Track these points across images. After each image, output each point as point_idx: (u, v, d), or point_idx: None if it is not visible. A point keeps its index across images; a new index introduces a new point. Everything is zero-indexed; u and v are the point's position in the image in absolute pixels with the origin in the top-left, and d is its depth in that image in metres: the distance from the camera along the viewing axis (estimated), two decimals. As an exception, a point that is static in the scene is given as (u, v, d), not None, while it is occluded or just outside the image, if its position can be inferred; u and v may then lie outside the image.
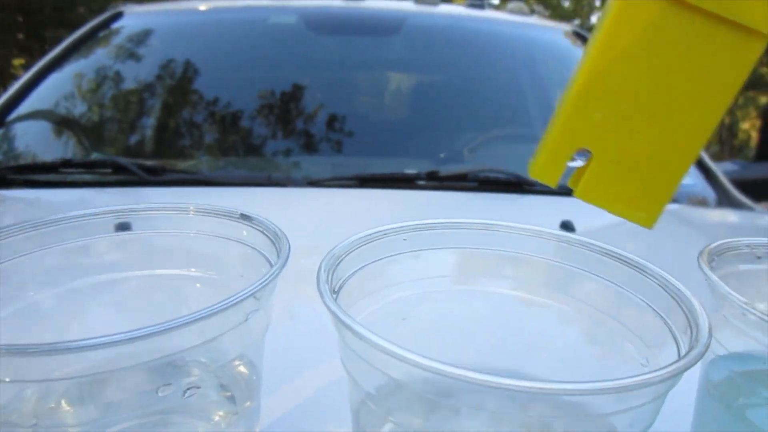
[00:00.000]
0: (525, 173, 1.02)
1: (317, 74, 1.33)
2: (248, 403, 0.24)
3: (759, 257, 0.25)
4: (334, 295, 0.23)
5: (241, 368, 0.25)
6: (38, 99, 1.38)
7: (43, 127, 1.35)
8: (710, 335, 0.19)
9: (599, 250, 0.26)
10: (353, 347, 0.20)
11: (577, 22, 19.28)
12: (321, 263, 0.23)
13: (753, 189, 1.38)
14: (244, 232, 0.27)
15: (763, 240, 0.26)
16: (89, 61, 1.53)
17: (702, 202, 1.20)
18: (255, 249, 0.27)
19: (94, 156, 1.27)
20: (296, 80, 1.30)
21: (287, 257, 0.25)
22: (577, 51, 1.67)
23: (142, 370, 0.20)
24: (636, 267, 0.25)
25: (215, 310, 0.19)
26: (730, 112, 18.15)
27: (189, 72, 1.37)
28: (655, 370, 0.17)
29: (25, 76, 1.42)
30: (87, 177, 1.06)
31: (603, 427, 0.19)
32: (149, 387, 0.20)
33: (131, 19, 1.65)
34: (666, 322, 0.22)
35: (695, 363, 0.18)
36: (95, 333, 0.17)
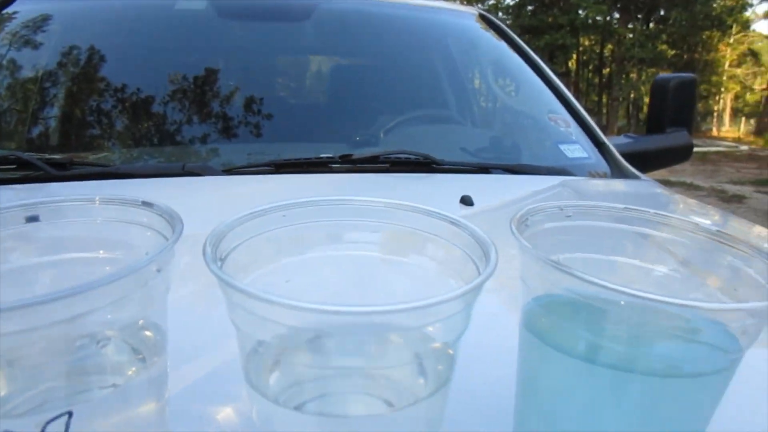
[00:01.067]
0: (434, 153, 1.09)
1: (230, 61, 1.33)
2: (156, 359, 0.28)
3: (569, 216, 0.31)
4: (219, 263, 0.27)
5: (146, 331, 0.29)
6: None
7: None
8: (494, 265, 0.25)
9: (440, 217, 0.31)
10: (238, 303, 0.25)
11: (492, 2, 19.71)
12: (206, 238, 0.27)
13: (642, 160, 1.51)
14: (145, 219, 0.30)
15: (573, 202, 0.32)
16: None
17: (599, 175, 1.30)
18: (156, 231, 0.30)
19: None
20: (208, 67, 1.29)
21: (181, 231, 0.29)
22: (484, 34, 1.74)
23: (58, 335, 0.23)
24: (457, 225, 0.30)
25: (119, 275, 0.23)
26: (635, 87, 19.20)
27: (95, 59, 1.33)
28: (449, 292, 0.23)
29: None
30: None
31: (422, 337, 0.26)
32: (65, 347, 0.24)
33: (25, 3, 1.57)
34: (476, 265, 0.28)
35: (480, 285, 0.24)
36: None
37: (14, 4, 1.56)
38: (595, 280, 0.23)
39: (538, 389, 0.28)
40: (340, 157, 1.03)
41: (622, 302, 0.23)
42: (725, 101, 24.23)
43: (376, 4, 1.64)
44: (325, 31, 1.50)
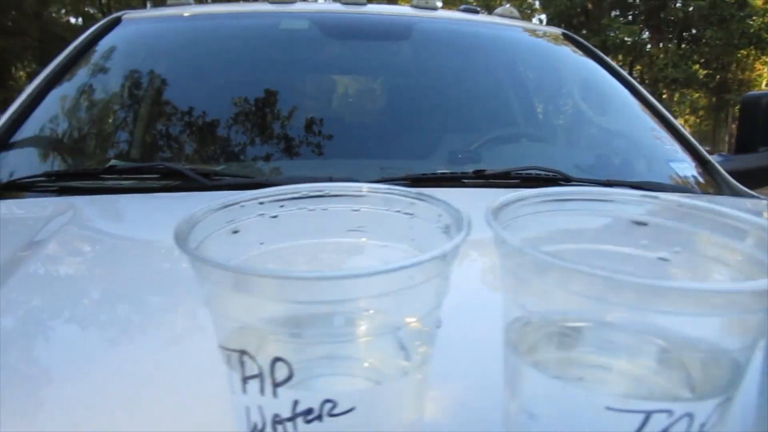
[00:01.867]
0: (564, 169, 1.09)
1: (345, 79, 1.36)
2: (423, 349, 0.29)
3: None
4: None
5: (417, 324, 0.29)
6: (46, 111, 1.34)
7: (52, 140, 1.32)
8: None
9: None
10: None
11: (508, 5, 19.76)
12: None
13: (741, 178, 1.49)
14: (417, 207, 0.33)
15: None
16: (95, 69, 1.50)
17: (713, 192, 1.29)
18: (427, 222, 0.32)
19: (113, 163, 1.25)
20: (326, 85, 1.33)
21: (469, 230, 0.29)
22: (566, 52, 1.75)
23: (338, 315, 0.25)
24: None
25: (401, 266, 0.24)
26: (669, 109, 18.95)
27: (213, 76, 1.37)
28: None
29: (29, 89, 1.37)
30: (125, 183, 1.06)
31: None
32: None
33: (131, 25, 1.63)
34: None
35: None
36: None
37: (120, 25, 1.62)
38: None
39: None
40: (474, 172, 1.05)
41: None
42: (760, 121, 23.71)
43: (468, 23, 1.66)
44: (424, 50, 1.53)
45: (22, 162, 1.20)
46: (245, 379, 0.23)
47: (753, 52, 16.94)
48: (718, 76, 17.97)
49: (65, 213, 0.87)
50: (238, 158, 1.17)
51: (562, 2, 16.78)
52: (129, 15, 1.68)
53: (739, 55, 17.06)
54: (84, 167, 1.18)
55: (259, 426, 0.23)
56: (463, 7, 1.91)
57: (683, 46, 17.87)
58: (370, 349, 0.27)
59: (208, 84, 1.39)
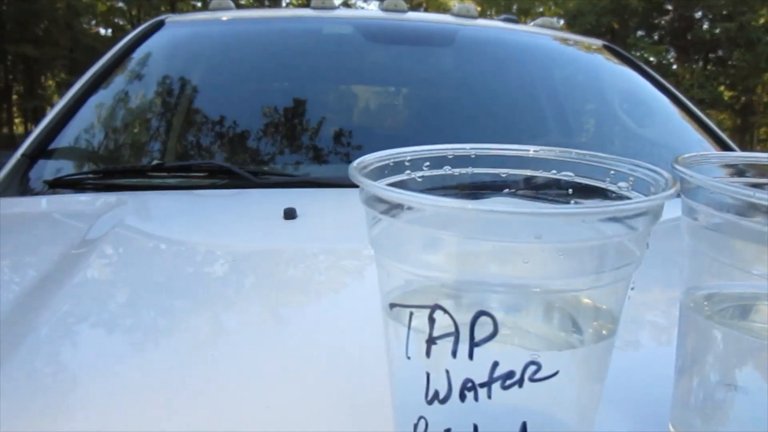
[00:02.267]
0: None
1: (389, 85, 1.35)
2: (597, 323, 0.26)
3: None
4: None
5: (587, 300, 0.27)
6: (90, 111, 1.35)
7: (97, 139, 1.33)
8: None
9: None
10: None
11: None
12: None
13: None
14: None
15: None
16: (139, 71, 1.51)
17: None
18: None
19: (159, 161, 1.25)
20: (371, 89, 1.32)
21: (675, 191, 0.27)
22: (607, 63, 1.73)
23: None
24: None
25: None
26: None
27: (257, 79, 1.37)
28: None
29: (73, 90, 1.38)
30: (172, 181, 1.06)
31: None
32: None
33: (175, 28, 1.64)
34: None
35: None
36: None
37: (163, 28, 1.63)
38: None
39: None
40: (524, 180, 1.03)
41: None
42: (787, 145, 23.40)
43: (511, 32, 1.65)
44: (468, 57, 1.52)
45: (69, 160, 1.20)
46: (432, 340, 0.20)
47: (781, 74, 16.70)
48: (743, 98, 17.76)
49: (115, 210, 0.86)
50: (286, 159, 1.17)
51: (588, 21, 16.71)
52: (172, 18, 1.69)
53: (765, 78, 16.84)
54: (132, 164, 1.18)
55: (442, 394, 0.20)
56: (503, 16, 1.90)
57: (709, 67, 17.70)
58: (540, 318, 0.25)
59: (252, 87, 1.39)
